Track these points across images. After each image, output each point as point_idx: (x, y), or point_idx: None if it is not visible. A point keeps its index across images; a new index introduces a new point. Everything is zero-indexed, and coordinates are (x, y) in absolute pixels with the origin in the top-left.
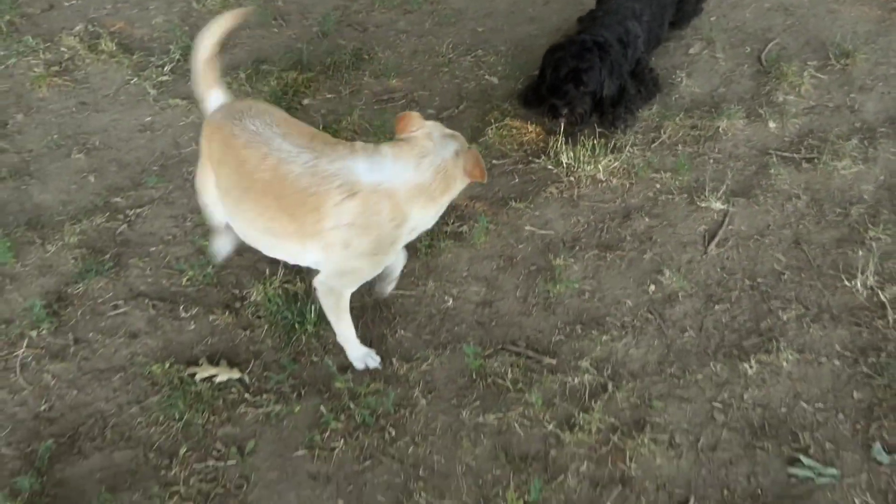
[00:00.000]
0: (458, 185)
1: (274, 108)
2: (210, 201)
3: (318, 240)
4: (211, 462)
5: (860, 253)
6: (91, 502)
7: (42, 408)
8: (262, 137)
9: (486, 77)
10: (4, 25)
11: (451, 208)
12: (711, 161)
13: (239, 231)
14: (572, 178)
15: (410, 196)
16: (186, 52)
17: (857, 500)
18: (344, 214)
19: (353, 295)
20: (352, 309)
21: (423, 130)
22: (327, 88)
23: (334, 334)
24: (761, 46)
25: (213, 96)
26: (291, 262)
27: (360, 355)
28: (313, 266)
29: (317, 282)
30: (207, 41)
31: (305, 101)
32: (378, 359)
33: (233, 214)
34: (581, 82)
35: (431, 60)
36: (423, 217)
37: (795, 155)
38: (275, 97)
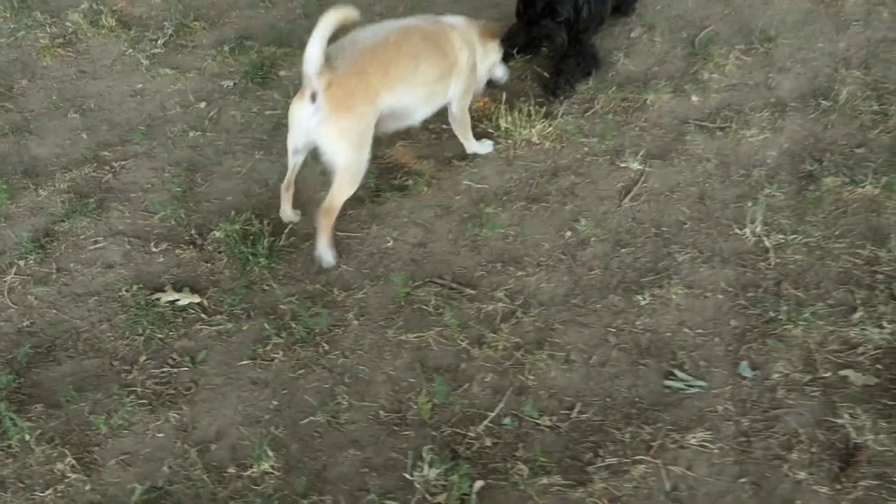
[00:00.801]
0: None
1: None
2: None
3: (457, 68)
4: (166, 368)
5: (754, 206)
6: (60, 400)
7: (24, 323)
8: (383, 30)
9: None
10: (16, 2)
11: (400, 166)
12: (636, 129)
13: (409, 106)
14: (510, 141)
15: (464, 29)
16: (179, 28)
17: (719, 407)
18: (457, 41)
19: (301, 235)
20: (301, 247)
21: None
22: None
23: (284, 266)
24: (697, 32)
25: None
26: (438, 105)
27: (477, 145)
28: (449, 99)
29: (452, 115)
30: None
31: (282, 73)
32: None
33: (409, 90)
34: (556, 14)
35: None
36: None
37: (711, 124)
38: (253, 68)
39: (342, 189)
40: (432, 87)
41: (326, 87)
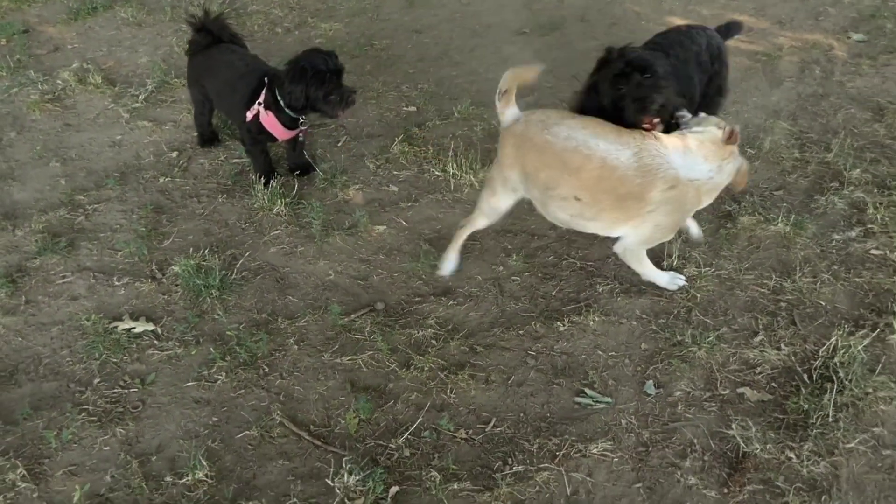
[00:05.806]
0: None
1: (567, 113)
2: (501, 196)
3: (635, 221)
4: (117, 389)
5: (675, 241)
6: (17, 417)
7: None
8: (577, 140)
9: (405, 107)
10: (13, 62)
11: (351, 207)
12: None
13: (548, 214)
14: (454, 185)
15: (709, 190)
16: (160, 84)
17: (623, 421)
18: (662, 202)
19: (252, 269)
20: (252, 280)
21: (734, 146)
22: None
23: (234, 297)
24: None
25: (509, 112)
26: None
27: (667, 279)
28: (614, 236)
29: (618, 248)
30: (509, 82)
31: None
32: (683, 278)
33: (548, 206)
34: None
35: (364, 94)
36: (708, 201)
37: None
38: (224, 120)
39: None
40: (587, 222)
41: None
